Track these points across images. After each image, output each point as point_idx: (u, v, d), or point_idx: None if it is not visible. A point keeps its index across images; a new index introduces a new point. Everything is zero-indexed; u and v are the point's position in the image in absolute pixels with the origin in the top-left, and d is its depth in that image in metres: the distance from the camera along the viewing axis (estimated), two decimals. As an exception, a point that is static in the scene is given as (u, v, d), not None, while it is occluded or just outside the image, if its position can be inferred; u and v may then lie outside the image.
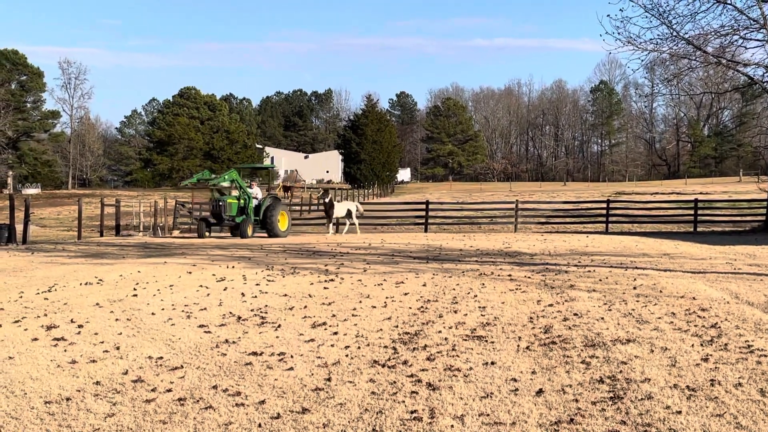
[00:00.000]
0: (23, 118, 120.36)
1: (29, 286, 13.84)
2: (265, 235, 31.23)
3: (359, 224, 35.19)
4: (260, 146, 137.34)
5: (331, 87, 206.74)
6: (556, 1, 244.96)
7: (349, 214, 33.65)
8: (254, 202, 31.43)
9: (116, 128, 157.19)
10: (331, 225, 32.95)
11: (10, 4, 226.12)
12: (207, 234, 31.33)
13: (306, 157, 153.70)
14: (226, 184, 31.84)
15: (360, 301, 11.74)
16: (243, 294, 12.48)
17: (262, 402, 6.57)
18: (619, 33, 19.95)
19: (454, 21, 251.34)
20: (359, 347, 8.60)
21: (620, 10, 46.19)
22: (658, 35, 20.82)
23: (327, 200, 32.52)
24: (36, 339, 9.09)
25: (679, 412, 6.22)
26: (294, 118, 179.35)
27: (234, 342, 8.88)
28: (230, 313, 10.79)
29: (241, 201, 31.12)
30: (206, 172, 32.85)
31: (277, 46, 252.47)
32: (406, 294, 12.53)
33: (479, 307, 11.20)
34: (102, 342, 8.92)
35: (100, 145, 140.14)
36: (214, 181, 31.40)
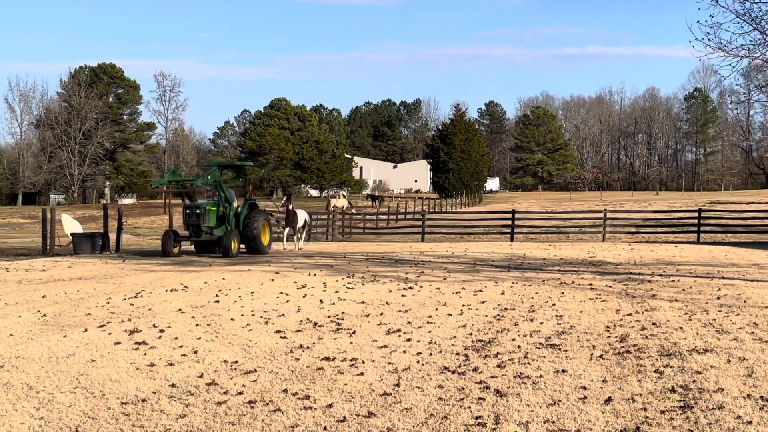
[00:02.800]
0: (120, 130, 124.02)
1: (117, 293, 14.30)
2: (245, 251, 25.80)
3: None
4: (349, 156, 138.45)
5: (420, 97, 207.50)
6: (649, 8, 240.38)
7: (305, 224, 29.79)
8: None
9: (209, 139, 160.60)
10: (293, 236, 28.83)
11: (107, 21, 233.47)
12: (175, 250, 24.76)
13: (394, 167, 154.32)
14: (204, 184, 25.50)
15: (436, 309, 11.78)
16: (321, 301, 12.66)
17: (330, 406, 6.68)
18: (708, 39, 19.40)
19: (545, 30, 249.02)
20: (431, 354, 8.65)
21: (710, 15, 45.16)
22: (750, 41, 20.21)
23: (290, 207, 27.98)
24: (119, 343, 9.40)
25: (750, 422, 6.09)
26: (383, 127, 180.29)
27: (308, 347, 9.02)
28: (307, 319, 10.96)
29: (221, 209, 25.26)
30: (177, 172, 26.96)
31: (366, 57, 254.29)
32: (483, 302, 12.51)
33: (556, 316, 11.12)
34: (181, 346, 9.18)
35: (193, 156, 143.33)
36: (196, 182, 25.29)
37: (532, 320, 10.80)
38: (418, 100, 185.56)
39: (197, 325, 10.59)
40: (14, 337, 9.91)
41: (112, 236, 32.12)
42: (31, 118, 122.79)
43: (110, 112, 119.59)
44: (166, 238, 24.62)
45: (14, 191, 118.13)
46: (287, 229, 28.46)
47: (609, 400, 6.75)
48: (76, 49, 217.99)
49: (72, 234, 30.58)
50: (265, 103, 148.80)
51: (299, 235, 29.30)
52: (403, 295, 13.31)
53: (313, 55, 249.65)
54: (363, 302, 12.52)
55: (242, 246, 25.53)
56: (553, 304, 12.22)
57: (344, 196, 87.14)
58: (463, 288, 14.26)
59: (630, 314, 11.18)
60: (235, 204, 25.91)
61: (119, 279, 16.93)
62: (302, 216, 28.76)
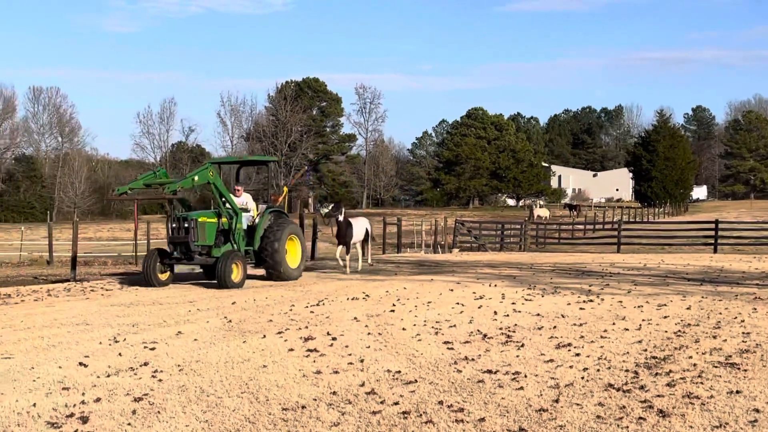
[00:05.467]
0: (323, 142, 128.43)
1: (301, 300, 14.79)
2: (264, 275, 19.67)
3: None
4: (546, 165, 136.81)
5: (622, 103, 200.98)
6: None
7: (367, 236, 23.44)
8: (244, 221, 19.20)
9: (408, 149, 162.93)
10: (346, 252, 22.08)
11: (313, 38, 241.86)
12: (164, 277, 18.19)
13: (594, 175, 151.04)
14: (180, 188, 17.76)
15: (613, 323, 11.42)
16: (495, 312, 12.56)
17: (482, 419, 6.62)
18: None
19: (759, 30, 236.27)
20: (598, 370, 8.39)
21: None
22: None
23: (340, 218, 21.50)
24: (292, 349, 9.72)
25: None
26: (582, 135, 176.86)
27: (473, 359, 8.98)
28: (478, 330, 10.92)
29: (224, 221, 18.71)
30: (162, 171, 19.05)
31: (566, 63, 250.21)
32: (665, 317, 12.01)
33: (743, 333, 10.51)
34: (350, 354, 9.38)
35: (392, 166, 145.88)
36: (172, 186, 17.46)
37: (714, 337, 10.26)
38: (620, 107, 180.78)
39: (369, 333, 10.79)
40: (198, 341, 10.46)
41: (309, 245, 33.28)
42: (241, 132, 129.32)
43: (314, 125, 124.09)
44: (148, 260, 18.07)
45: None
46: (339, 248, 22.05)
47: (782, 425, 6.31)
48: (283, 64, 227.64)
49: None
50: (462, 112, 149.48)
51: (363, 252, 23.60)
52: (581, 308, 12.99)
53: (510, 63, 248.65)
54: (538, 314, 12.32)
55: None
56: (742, 321, 11.55)
57: (541, 206, 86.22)
58: (647, 302, 13.74)
59: (826, 333, 10.41)
60: (249, 214, 19.56)
61: (307, 287, 17.51)
62: (361, 227, 22.83)
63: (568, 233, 48.81)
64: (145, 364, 9.02)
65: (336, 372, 8.45)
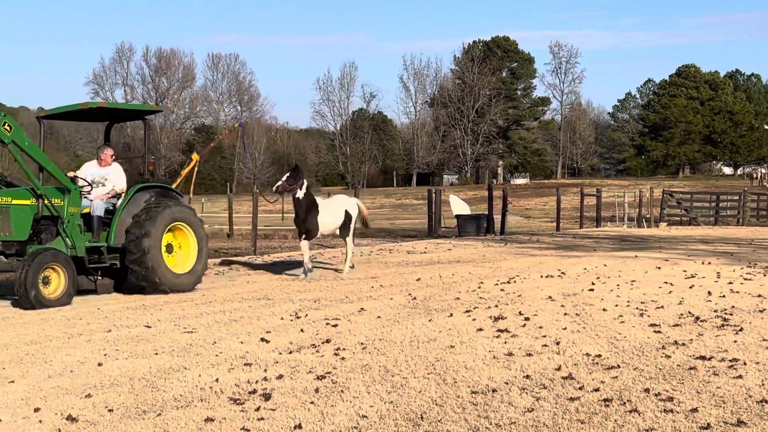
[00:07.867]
0: (513, 107, 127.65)
1: (491, 277, 14.83)
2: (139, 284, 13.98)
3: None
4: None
5: None
6: None
7: (347, 223, 16.82)
8: (98, 205, 13.77)
9: (609, 113, 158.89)
10: (307, 247, 16.11)
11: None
12: None
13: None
14: None
15: None
16: (709, 293, 12.15)
17: (694, 410, 6.43)
18: None
19: None
20: (831, 359, 7.97)
21: None
22: None
23: (301, 195, 15.89)
24: (481, 329, 9.77)
25: None
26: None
27: (683, 344, 8.73)
28: (689, 312, 10.59)
29: (48, 203, 13.07)
30: None
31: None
32: None
33: None
34: (544, 336, 9.32)
35: (591, 132, 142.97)
36: None
37: None
38: None
39: (565, 314, 10.68)
40: (381, 319, 10.69)
41: (498, 218, 33.36)
42: (425, 97, 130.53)
43: (503, 88, 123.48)
44: None
45: (409, 172, 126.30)
46: (303, 241, 16.17)
47: None
48: (470, 23, 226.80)
49: (457, 216, 32.26)
50: (671, 70, 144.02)
51: (346, 240, 17.16)
52: (811, 289, 12.38)
53: (727, 14, 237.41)
54: (759, 295, 11.82)
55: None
56: None
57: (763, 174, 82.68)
58: None
59: None
60: (102, 193, 14.05)
61: (496, 263, 17.53)
62: (336, 210, 16.73)
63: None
64: (327, 341, 9.30)
65: (529, 354, 8.43)
